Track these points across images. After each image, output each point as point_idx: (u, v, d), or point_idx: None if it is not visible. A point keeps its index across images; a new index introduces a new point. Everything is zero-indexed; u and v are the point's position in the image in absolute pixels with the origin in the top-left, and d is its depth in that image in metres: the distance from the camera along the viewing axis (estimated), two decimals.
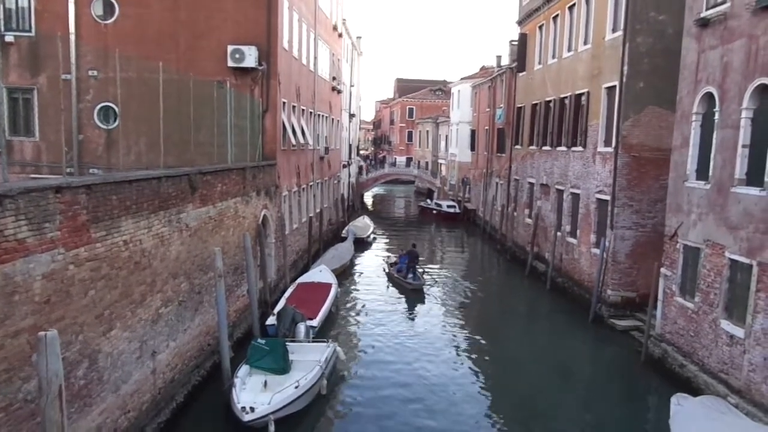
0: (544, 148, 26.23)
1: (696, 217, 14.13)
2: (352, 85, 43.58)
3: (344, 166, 41.33)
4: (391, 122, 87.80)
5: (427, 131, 68.46)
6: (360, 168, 58.44)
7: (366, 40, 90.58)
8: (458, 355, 16.98)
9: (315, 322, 16.76)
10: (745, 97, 12.37)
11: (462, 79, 52.30)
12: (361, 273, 27.08)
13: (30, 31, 19.01)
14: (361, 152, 79.53)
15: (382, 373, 15.31)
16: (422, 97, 79.93)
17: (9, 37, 18.84)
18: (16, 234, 7.12)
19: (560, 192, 24.06)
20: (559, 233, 23.70)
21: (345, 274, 25.45)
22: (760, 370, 11.49)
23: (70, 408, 7.91)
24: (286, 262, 21.09)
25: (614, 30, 19.42)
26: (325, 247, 28.51)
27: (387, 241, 36.42)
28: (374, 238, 36.14)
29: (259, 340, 13.75)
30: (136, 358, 10.27)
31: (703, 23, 14.02)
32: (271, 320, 16.47)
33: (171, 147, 15.25)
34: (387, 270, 26.68)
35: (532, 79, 28.75)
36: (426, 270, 26.65)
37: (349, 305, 21.52)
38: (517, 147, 31.03)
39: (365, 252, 32.15)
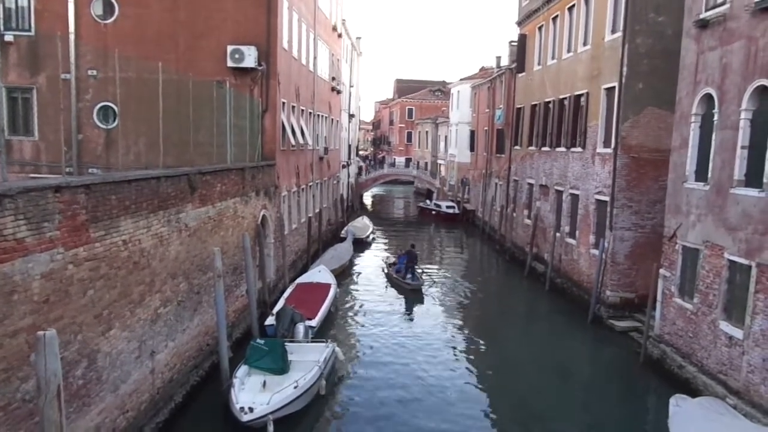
0: (544, 148, 26.24)
1: (695, 218, 14.14)
2: (351, 86, 43.58)
3: (343, 167, 41.34)
4: (391, 123, 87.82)
5: (427, 132, 68.47)
6: (360, 169, 58.45)
7: (365, 41, 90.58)
8: (457, 355, 16.98)
9: (314, 323, 16.76)
10: (744, 99, 12.38)
11: (461, 79, 52.31)
12: (360, 273, 27.07)
13: (30, 30, 19.00)
14: (361, 152, 79.55)
15: (381, 373, 15.31)
16: (421, 97, 79.95)
17: (8, 37, 18.83)
18: (15, 233, 7.12)
19: (559, 193, 24.08)
20: (558, 234, 23.72)
21: (344, 274, 25.45)
22: (758, 372, 11.50)
23: (68, 408, 7.91)
24: (285, 262, 21.08)
25: (614, 31, 19.44)
26: (324, 248, 28.50)
27: (386, 241, 36.42)
28: (373, 239, 36.14)
29: (258, 341, 13.75)
30: (134, 357, 10.26)
31: (703, 24, 14.04)
32: (270, 320, 16.47)
33: (170, 147, 15.25)
34: (386, 270, 26.69)
35: (531, 80, 28.76)
36: (425, 270, 26.65)
37: (348, 305, 21.52)
38: (517, 148, 31.05)
39: (364, 252, 32.15)
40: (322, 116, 30.02)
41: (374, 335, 18.26)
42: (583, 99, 21.85)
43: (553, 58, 25.59)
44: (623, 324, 18.39)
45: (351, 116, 44.66)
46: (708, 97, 13.97)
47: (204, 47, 19.11)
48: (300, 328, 15.52)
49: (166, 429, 11.33)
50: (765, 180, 11.64)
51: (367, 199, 60.94)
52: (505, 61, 41.09)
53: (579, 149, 22.02)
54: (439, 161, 60.28)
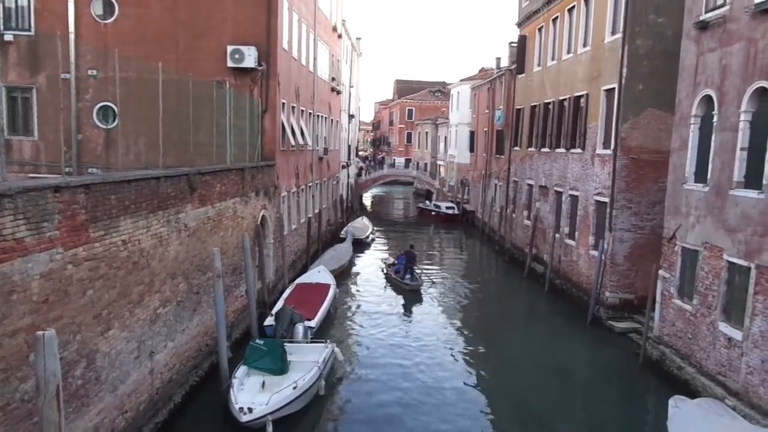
0: (543, 149, 26.25)
1: (694, 220, 14.14)
2: (351, 86, 43.58)
3: (343, 167, 41.33)
4: (390, 123, 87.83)
5: (426, 132, 68.48)
6: (360, 169, 58.45)
7: (365, 41, 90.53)
8: (456, 356, 16.97)
9: (313, 323, 16.76)
10: (744, 100, 12.39)
11: (461, 80, 52.35)
12: (360, 274, 27.06)
13: (29, 30, 18.99)
14: (360, 153, 79.57)
15: (380, 373, 15.30)
16: (421, 98, 79.96)
17: (8, 36, 18.83)
18: (14, 233, 7.12)
19: (559, 194, 24.08)
20: (557, 235, 23.72)
21: (343, 274, 25.45)
22: (757, 373, 11.50)
23: (67, 408, 7.90)
24: (284, 262, 21.08)
25: (613, 32, 19.45)
26: (324, 248, 28.50)
27: (386, 242, 36.43)
28: (373, 239, 36.15)
29: (258, 341, 13.74)
30: (134, 358, 10.25)
31: (702, 26, 14.05)
32: (270, 321, 16.47)
33: (170, 147, 15.23)
34: (385, 271, 26.68)
35: (531, 81, 28.77)
36: (424, 271, 26.64)
37: (347, 306, 21.52)
38: (516, 148, 31.06)
39: (364, 253, 32.14)
40: (322, 117, 30.03)
41: (373, 336, 18.26)
42: (582, 100, 21.86)
43: (552, 59, 25.60)
44: (622, 325, 18.39)
45: (351, 117, 44.67)
46: (708, 99, 13.98)
47: (204, 47, 19.11)
48: (299, 328, 15.52)
49: (165, 429, 11.32)
50: (764, 181, 11.65)
51: (367, 199, 60.94)
52: (504, 62, 41.11)
53: (578, 150, 22.02)
54: (439, 162, 60.29)
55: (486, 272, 30.98)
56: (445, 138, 56.88)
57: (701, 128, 14.40)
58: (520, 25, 30.74)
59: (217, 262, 12.64)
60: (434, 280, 26.18)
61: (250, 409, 11.30)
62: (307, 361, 13.60)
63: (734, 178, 12.66)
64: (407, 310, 21.64)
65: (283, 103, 20.85)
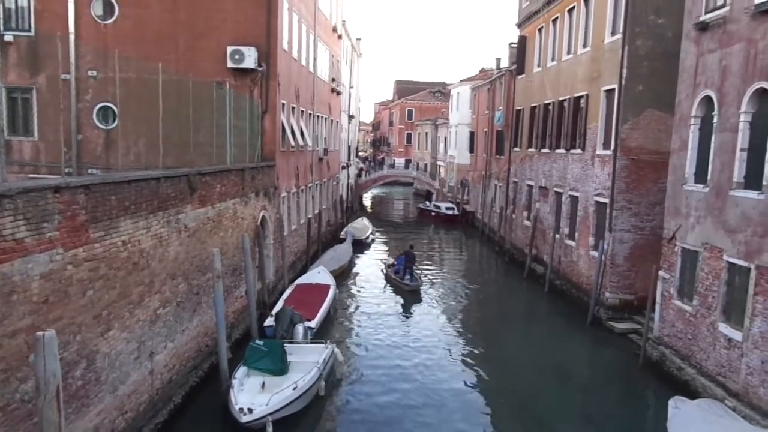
0: (543, 150, 26.26)
1: (694, 220, 14.15)
2: (351, 87, 43.59)
3: (343, 168, 41.33)
4: (390, 124, 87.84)
5: (426, 133, 68.49)
6: (360, 170, 58.46)
7: (365, 42, 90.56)
8: (455, 357, 16.96)
9: (313, 324, 16.76)
10: (744, 101, 12.39)
11: (461, 81, 52.35)
12: (360, 274, 27.06)
13: (29, 30, 19.00)
14: (360, 154, 79.55)
15: (380, 374, 15.30)
16: (421, 98, 79.97)
17: (8, 37, 18.84)
18: (14, 234, 7.12)
19: (559, 194, 24.08)
20: (557, 236, 23.72)
21: (343, 275, 25.45)
22: (757, 374, 11.50)
23: (67, 408, 7.90)
24: (284, 263, 21.08)
25: (613, 33, 19.45)
26: (324, 249, 28.50)
27: (385, 242, 36.43)
28: (373, 240, 36.15)
29: (258, 342, 13.74)
30: (134, 358, 10.25)
31: (702, 27, 14.05)
32: (270, 321, 16.47)
33: (170, 147, 15.23)
34: (385, 271, 26.68)
35: (531, 82, 28.78)
36: (424, 271, 26.65)
37: (347, 307, 21.51)
38: (516, 149, 31.07)
39: (364, 253, 32.14)
40: (322, 117, 30.03)
41: (373, 336, 18.26)
42: (582, 101, 21.86)
43: (552, 59, 25.61)
44: (622, 326, 18.39)
45: (351, 117, 44.67)
46: (707, 100, 13.99)
47: (204, 48, 19.12)
48: (299, 329, 15.52)
49: (164, 430, 11.31)
50: (764, 182, 11.65)
51: (367, 200, 60.94)
52: (504, 63, 41.12)
53: (578, 151, 22.03)
54: (439, 162, 60.30)
55: (486, 273, 30.98)
56: (445, 138, 56.89)
57: (701, 129, 14.41)
58: (520, 25, 30.76)
59: (217, 263, 12.64)
60: (434, 280, 26.18)
61: (250, 410, 11.31)
62: (307, 361, 13.60)
63: (734, 178, 12.66)
64: (407, 310, 21.64)
65: (283, 104, 20.85)
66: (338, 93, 35.16)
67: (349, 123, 43.78)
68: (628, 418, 13.48)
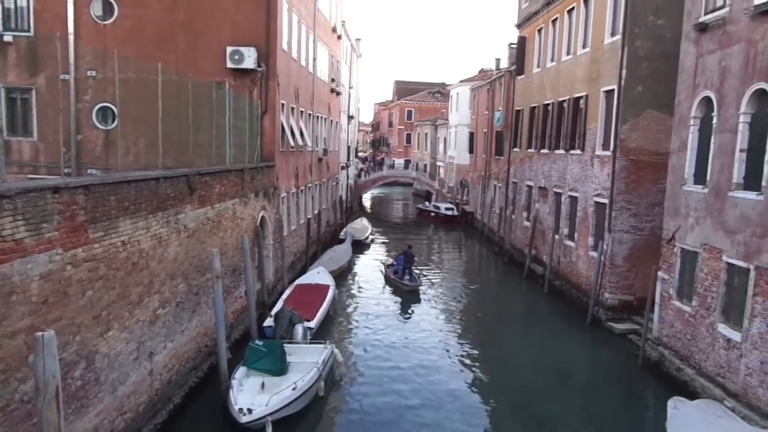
0: (543, 151, 26.27)
1: (693, 221, 14.16)
2: (350, 87, 43.60)
3: (343, 168, 41.33)
4: (390, 124, 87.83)
5: (426, 133, 68.51)
6: (360, 171, 58.45)
7: (365, 42, 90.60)
8: (454, 357, 16.96)
9: (312, 324, 16.77)
10: (743, 102, 12.40)
11: (461, 81, 52.37)
12: (359, 275, 27.06)
13: (29, 31, 19.00)
14: (360, 154, 79.53)
15: (379, 374, 15.31)
16: (421, 99, 79.97)
17: (8, 37, 18.84)
18: (13, 234, 7.11)
19: (558, 195, 24.09)
20: (557, 236, 23.73)
21: (343, 275, 25.45)
22: (756, 374, 11.51)
23: (66, 409, 7.89)
24: (284, 263, 21.08)
25: (613, 34, 19.46)
26: (323, 249, 28.50)
27: (385, 243, 36.42)
28: (372, 240, 36.14)
29: (257, 342, 13.74)
30: (133, 359, 10.25)
31: (702, 28, 14.06)
32: (269, 322, 16.47)
33: (169, 148, 15.27)
34: (384, 272, 26.69)
35: (530, 82, 28.79)
36: (423, 272, 26.65)
37: (346, 307, 21.52)
38: (516, 150, 31.08)
39: (363, 254, 32.14)
40: (322, 117, 30.04)
41: (372, 336, 18.26)
42: (582, 101, 21.87)
43: (552, 60, 25.62)
44: (622, 326, 18.40)
45: (350, 118, 44.68)
46: (707, 100, 14.00)
47: (203, 48, 19.12)
48: (299, 329, 15.52)
49: (164, 430, 11.31)
50: (764, 183, 11.66)
51: (366, 200, 60.95)
52: (504, 64, 41.15)
53: (578, 151, 22.04)
54: (438, 163, 60.31)
55: (485, 273, 30.99)
56: (445, 139, 56.92)
57: (700, 130, 14.42)
58: (519, 26, 30.76)
59: (217, 263, 12.64)
60: (433, 281, 26.19)
61: (249, 410, 11.31)
62: (306, 362, 13.60)
63: (733, 179, 12.67)
64: (406, 310, 21.65)
65: (283, 104, 20.85)
66: (338, 93, 35.16)
67: (348, 123, 43.78)
68: (627, 418, 13.48)
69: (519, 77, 30.77)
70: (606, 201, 19.37)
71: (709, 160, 13.61)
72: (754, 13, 12.11)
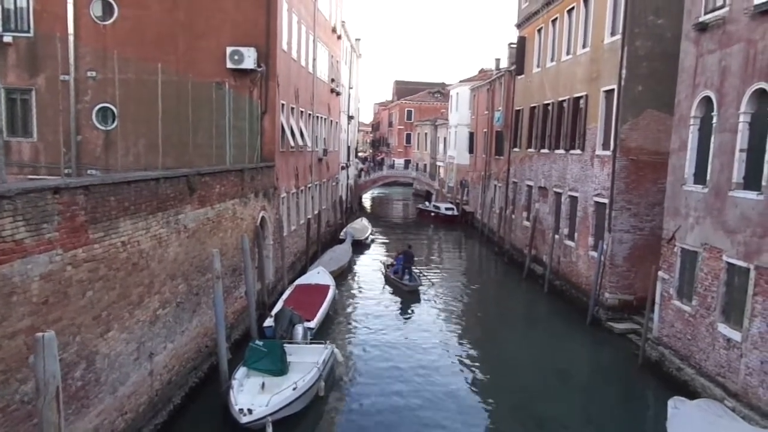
0: (543, 150, 26.27)
1: (693, 221, 14.16)
2: (350, 87, 43.60)
3: (343, 168, 41.34)
4: (390, 124, 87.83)
5: (426, 133, 68.51)
6: (360, 171, 58.44)
7: (365, 43, 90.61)
8: (454, 357, 16.96)
9: (313, 324, 16.77)
10: (743, 101, 12.40)
11: (461, 81, 52.38)
12: (359, 275, 27.07)
13: (28, 31, 19.00)
14: (360, 154, 79.53)
15: (380, 374, 15.31)
16: (421, 99, 79.98)
17: (7, 38, 18.84)
18: (14, 235, 7.11)
19: (558, 195, 24.09)
20: (557, 236, 23.73)
21: (343, 275, 25.45)
22: (756, 374, 11.51)
23: (67, 409, 7.89)
24: (284, 263, 21.08)
25: (613, 33, 19.46)
26: (323, 249, 28.50)
27: (385, 243, 36.42)
28: (372, 240, 36.15)
29: (257, 342, 13.74)
30: (133, 359, 10.25)
31: (702, 27, 14.07)
32: (269, 322, 16.47)
33: (169, 148, 15.30)
34: (384, 272, 26.69)
35: (530, 82, 28.80)
36: (423, 272, 26.64)
37: (346, 307, 21.52)
38: (516, 150, 31.08)
39: (363, 254, 32.14)
40: (321, 118, 30.04)
41: (373, 336, 18.26)
42: (582, 101, 21.87)
43: (552, 60, 25.62)
44: (622, 326, 18.40)
45: (350, 118, 44.68)
46: (707, 100, 14.00)
47: (203, 48, 19.11)
48: (299, 329, 15.53)
49: (164, 431, 11.31)
50: (763, 183, 11.66)
51: (366, 200, 60.96)
52: (504, 63, 41.15)
53: (578, 151, 22.04)
54: (438, 163, 60.32)
55: (485, 273, 30.99)
56: (445, 139, 56.92)
57: (700, 129, 14.42)
58: (519, 26, 30.76)
59: (217, 264, 12.64)
60: (433, 281, 26.19)
61: (249, 411, 11.31)
62: (306, 362, 13.60)
63: (733, 179, 12.67)
64: (406, 310, 21.65)
65: (283, 104, 20.85)
66: (338, 93, 35.17)
67: (348, 123, 43.78)
68: (627, 418, 13.49)
69: (519, 77, 30.77)
70: (606, 201, 19.37)
71: (709, 160, 13.61)
72: (753, 13, 12.11)
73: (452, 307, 22.56)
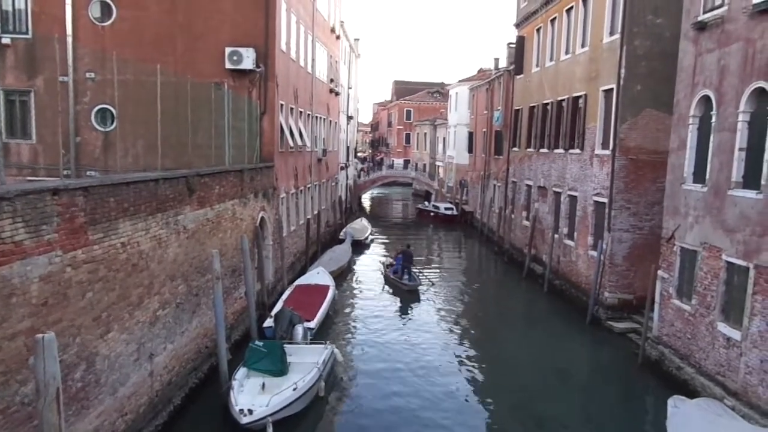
0: (542, 150, 26.28)
1: (693, 220, 14.16)
2: (349, 87, 43.61)
3: (342, 168, 41.34)
4: (389, 124, 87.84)
5: (425, 133, 68.52)
6: (359, 171, 58.43)
7: (364, 43, 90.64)
8: (454, 356, 16.96)
9: (312, 324, 16.77)
10: (742, 101, 12.41)
11: (460, 81, 52.40)
12: (359, 275, 27.07)
13: (27, 33, 19.00)
14: (359, 154, 79.53)
15: (380, 374, 15.31)
16: (420, 99, 79.99)
17: (6, 39, 18.84)
18: (13, 236, 7.11)
19: (558, 194, 24.10)
20: (556, 235, 23.73)
21: (342, 276, 25.45)
22: (756, 373, 11.52)
23: (67, 411, 7.89)
24: (283, 264, 21.08)
25: (612, 33, 19.47)
26: (323, 249, 28.50)
27: (384, 243, 36.42)
28: (372, 240, 36.14)
29: (257, 342, 13.74)
30: (133, 360, 10.25)
31: (701, 27, 14.07)
32: (269, 322, 16.46)
33: (168, 149, 15.30)
34: (384, 272, 26.69)
35: (529, 82, 28.80)
36: (423, 272, 26.64)
37: (346, 307, 21.52)
38: (515, 149, 31.08)
39: (363, 254, 32.14)
40: (321, 118, 30.03)
41: (372, 336, 18.26)
42: (581, 101, 21.88)
43: (551, 59, 25.62)
44: (621, 325, 18.41)
45: (349, 118, 44.68)
46: (706, 99, 14.01)
47: (202, 49, 19.09)
48: (299, 329, 15.52)
49: None
50: (763, 182, 11.67)
51: (366, 200, 60.95)
52: (503, 63, 41.15)
53: (577, 151, 22.05)
54: (438, 163, 60.32)
55: (485, 273, 30.99)
56: (444, 139, 56.92)
57: (699, 129, 14.43)
58: (518, 25, 30.77)
59: (216, 264, 12.64)
60: (433, 280, 26.18)
61: (250, 411, 11.31)
62: (306, 362, 13.61)
63: (732, 178, 12.68)
64: (406, 310, 21.65)
65: (282, 105, 20.85)
66: (337, 93, 35.17)
67: (347, 123, 43.79)
68: (627, 417, 13.49)
69: (518, 77, 30.78)
70: (605, 200, 19.38)
71: (709, 159, 13.62)
72: (752, 12, 12.12)
73: (452, 306, 22.57)
